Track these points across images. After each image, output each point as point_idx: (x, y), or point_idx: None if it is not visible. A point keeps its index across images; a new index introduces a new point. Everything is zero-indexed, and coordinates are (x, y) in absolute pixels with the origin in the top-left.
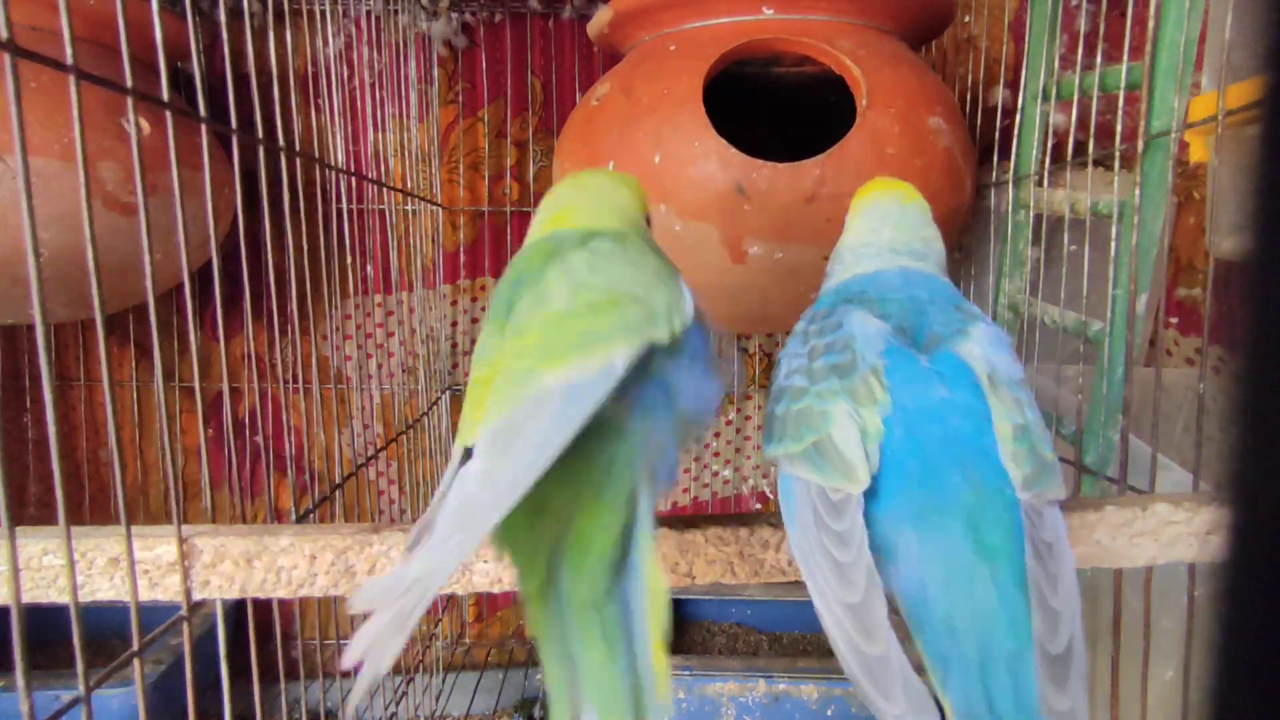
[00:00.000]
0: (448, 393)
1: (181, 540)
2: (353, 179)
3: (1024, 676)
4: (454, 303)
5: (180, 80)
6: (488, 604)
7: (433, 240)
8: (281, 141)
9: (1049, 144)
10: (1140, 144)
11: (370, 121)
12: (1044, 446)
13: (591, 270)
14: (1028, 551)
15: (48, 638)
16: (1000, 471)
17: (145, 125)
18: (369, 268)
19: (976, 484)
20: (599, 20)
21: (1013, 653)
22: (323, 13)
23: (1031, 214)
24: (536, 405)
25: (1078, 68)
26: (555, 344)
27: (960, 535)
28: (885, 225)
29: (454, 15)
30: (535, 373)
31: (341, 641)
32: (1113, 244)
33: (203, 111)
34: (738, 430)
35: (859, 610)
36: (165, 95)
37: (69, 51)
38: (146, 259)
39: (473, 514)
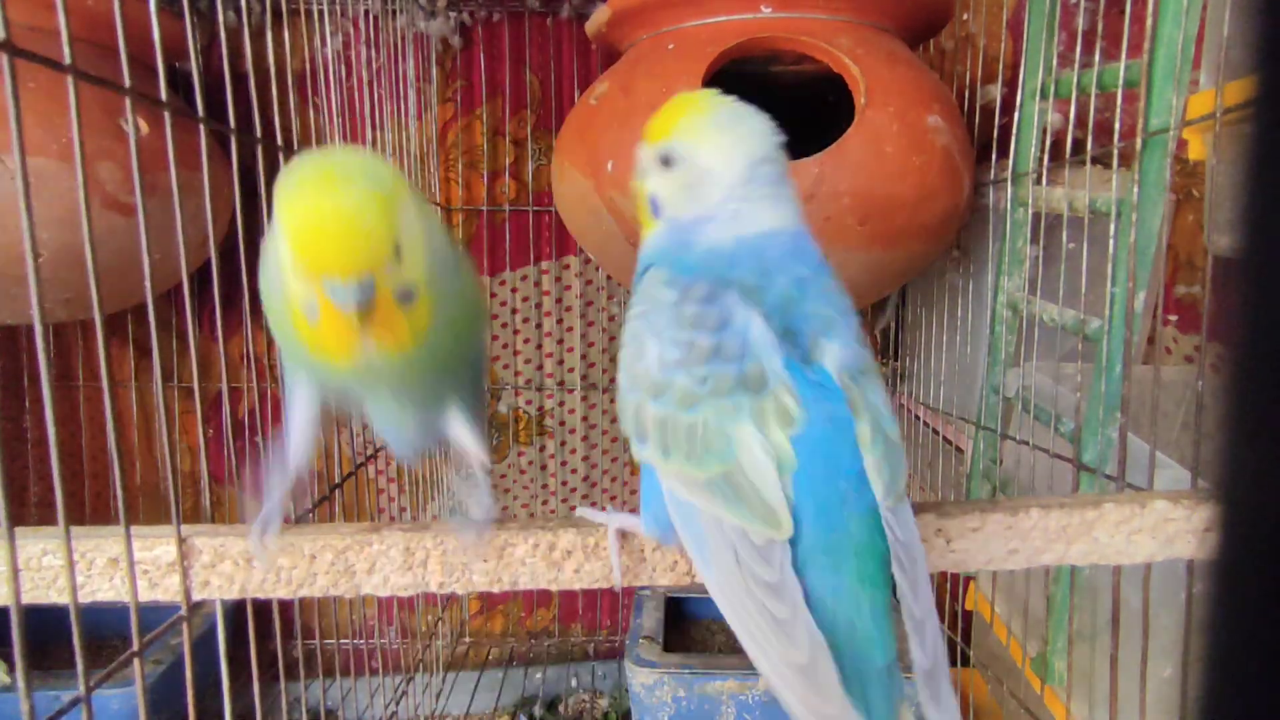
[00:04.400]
0: None
1: (181, 540)
2: None
3: (895, 685)
4: None
5: (178, 80)
6: (488, 603)
7: None
8: (279, 141)
9: (1047, 142)
10: (1139, 141)
11: (368, 120)
12: (892, 430)
13: None
14: (893, 562)
15: (48, 638)
16: (869, 490)
17: (143, 125)
18: None
19: (859, 513)
20: (597, 19)
21: (883, 668)
22: (320, 12)
23: (1030, 212)
24: None
25: (1076, 65)
26: None
27: (851, 573)
28: (762, 151)
29: (452, 14)
30: None
31: (341, 642)
32: (1111, 241)
33: (200, 111)
34: None
35: (808, 671)
36: (163, 95)
37: (66, 51)
38: (145, 259)
39: None
